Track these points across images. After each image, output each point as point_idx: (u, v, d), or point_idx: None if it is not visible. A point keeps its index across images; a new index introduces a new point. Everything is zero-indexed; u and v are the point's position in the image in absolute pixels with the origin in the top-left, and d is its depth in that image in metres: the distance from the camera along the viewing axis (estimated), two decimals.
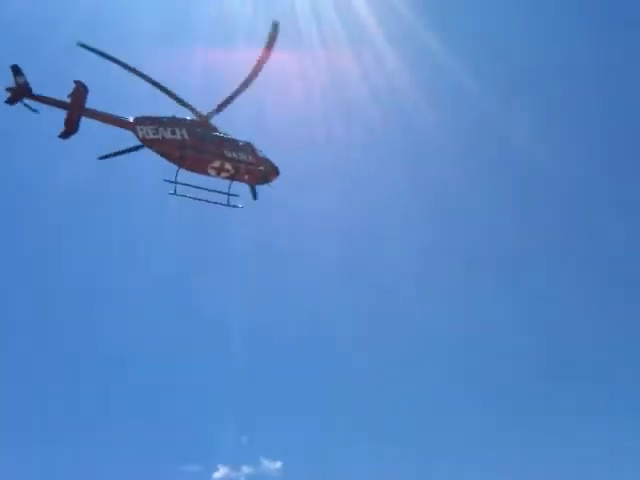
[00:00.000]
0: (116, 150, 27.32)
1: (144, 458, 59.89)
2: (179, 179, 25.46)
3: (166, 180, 25.24)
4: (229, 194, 25.85)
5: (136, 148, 26.68)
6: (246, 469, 62.43)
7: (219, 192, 25.63)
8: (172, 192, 24.99)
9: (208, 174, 26.29)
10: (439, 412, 64.67)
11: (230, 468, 61.93)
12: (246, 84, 25.15)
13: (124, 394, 62.34)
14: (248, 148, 26.93)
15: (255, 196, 27.34)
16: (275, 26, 24.26)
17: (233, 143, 26.64)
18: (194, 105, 26.51)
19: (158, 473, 59.59)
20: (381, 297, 67.20)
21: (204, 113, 26.29)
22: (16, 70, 25.46)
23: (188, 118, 26.84)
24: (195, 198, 25.31)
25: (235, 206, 25.74)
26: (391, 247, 66.74)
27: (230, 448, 62.05)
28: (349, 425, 64.14)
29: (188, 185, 25.20)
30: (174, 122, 25.72)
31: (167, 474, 60.41)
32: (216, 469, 61.77)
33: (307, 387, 66.91)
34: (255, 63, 24.74)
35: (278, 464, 62.63)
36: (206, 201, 25.55)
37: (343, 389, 65.99)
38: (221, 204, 25.62)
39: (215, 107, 26.51)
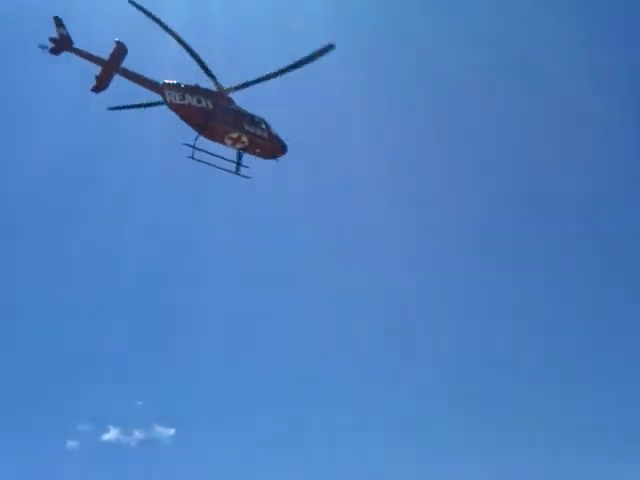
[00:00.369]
0: (127, 104, 29.03)
1: (42, 415, 60.83)
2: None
3: (185, 144, 27.16)
4: (240, 164, 27.91)
5: (150, 104, 28.33)
6: (138, 434, 62.54)
7: (232, 161, 27.75)
8: (190, 156, 27.11)
9: (224, 143, 28.21)
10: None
11: (121, 431, 61.97)
12: (278, 74, 26.96)
13: (22, 353, 63.05)
14: (263, 124, 29.26)
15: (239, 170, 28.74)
16: (330, 47, 26.25)
17: (250, 117, 28.77)
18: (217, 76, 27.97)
19: (53, 430, 60.51)
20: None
21: (225, 86, 27.92)
22: (58, 22, 26.70)
23: (210, 89, 28.47)
24: (210, 164, 27.25)
25: (245, 176, 27.75)
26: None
27: (124, 411, 62.16)
28: (247, 395, 64.67)
29: (204, 151, 27.19)
30: (200, 91, 27.58)
31: (61, 431, 61.21)
32: (106, 430, 61.86)
33: (207, 357, 66.71)
34: (296, 61, 26.47)
35: (171, 431, 62.96)
36: (220, 168, 27.58)
37: (241, 359, 66.64)
38: (232, 172, 27.65)
39: (238, 84, 28.12)
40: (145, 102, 28.43)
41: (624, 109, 74.76)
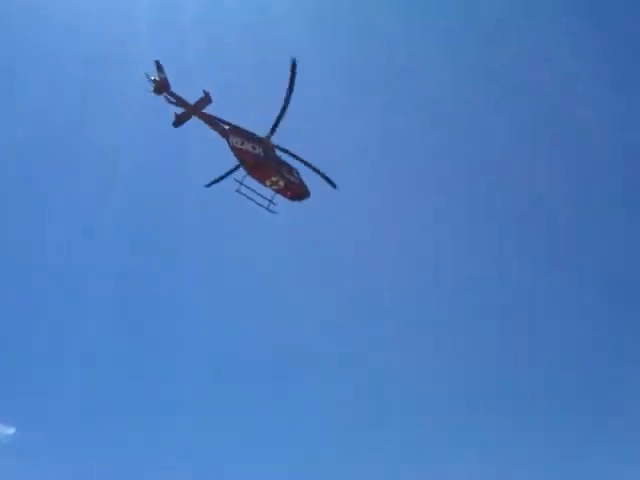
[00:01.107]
0: (220, 176, 34.71)
1: None
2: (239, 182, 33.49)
3: (236, 180, 33.12)
4: (272, 202, 33.71)
5: (232, 171, 33.91)
6: None
7: (266, 199, 33.56)
8: (237, 190, 32.96)
9: (264, 184, 33.42)
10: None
11: None
12: (286, 106, 31.34)
13: None
14: (296, 172, 34.32)
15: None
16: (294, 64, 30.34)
17: (288, 167, 33.98)
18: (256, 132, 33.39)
19: None
20: None
21: (266, 136, 33.32)
22: (158, 66, 30.57)
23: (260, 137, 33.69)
24: (248, 198, 33.11)
25: (272, 212, 33.48)
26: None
27: None
28: (94, 395, 63.57)
29: (248, 187, 33.13)
30: (255, 139, 32.61)
31: None
32: None
33: (52, 353, 65.16)
34: (288, 85, 30.89)
35: (11, 430, 61.34)
36: (256, 202, 33.34)
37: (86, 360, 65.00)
38: (264, 207, 33.36)
39: (270, 130, 33.17)
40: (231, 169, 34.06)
41: None
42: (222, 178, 34.20)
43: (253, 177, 32.40)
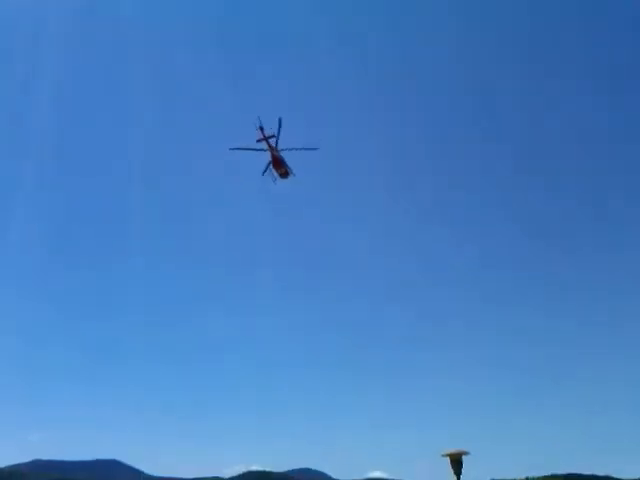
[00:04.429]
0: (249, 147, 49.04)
1: None
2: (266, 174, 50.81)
3: (268, 176, 49.50)
4: (275, 179, 51.52)
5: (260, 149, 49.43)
6: None
7: (274, 177, 51.23)
8: (266, 175, 48.94)
9: (277, 171, 48.68)
10: None
11: None
12: (278, 137, 48.79)
13: None
14: (287, 166, 49.44)
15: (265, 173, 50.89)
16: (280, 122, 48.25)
17: (285, 163, 49.10)
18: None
19: None
20: None
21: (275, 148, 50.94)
22: (261, 128, 47.98)
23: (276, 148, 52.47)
24: (273, 179, 49.92)
25: (274, 183, 49.70)
26: None
27: None
28: None
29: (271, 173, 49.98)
30: (276, 150, 49.59)
31: None
32: None
33: None
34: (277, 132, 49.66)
35: None
36: (272, 177, 48.50)
37: None
38: (272, 180, 49.22)
39: (275, 147, 50.05)
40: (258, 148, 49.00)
41: None
42: (248, 149, 47.52)
43: (274, 167, 47.26)
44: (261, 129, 49.99)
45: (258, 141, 50.43)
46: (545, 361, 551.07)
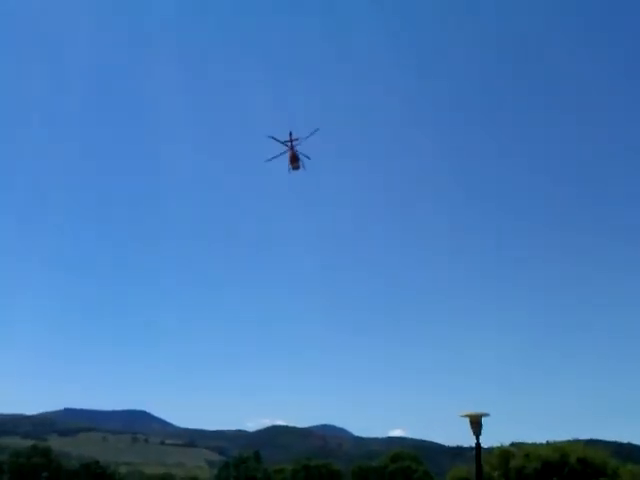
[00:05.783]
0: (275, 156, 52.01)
1: None
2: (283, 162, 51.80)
3: (289, 169, 51.98)
4: (291, 170, 52.50)
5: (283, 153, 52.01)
6: None
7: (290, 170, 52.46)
8: (289, 170, 51.48)
9: (292, 164, 51.80)
10: None
11: None
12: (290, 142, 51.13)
13: None
14: (300, 160, 52.30)
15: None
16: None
17: (299, 158, 51.98)
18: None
19: None
20: None
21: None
22: (290, 135, 50.08)
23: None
24: (291, 169, 52.16)
25: (290, 172, 52.37)
26: None
27: None
28: None
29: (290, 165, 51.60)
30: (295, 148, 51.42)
31: None
32: None
33: None
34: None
35: None
36: (291, 169, 51.69)
37: None
38: (291, 170, 52.09)
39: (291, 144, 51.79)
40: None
41: None
42: (277, 157, 51.91)
43: (291, 162, 51.50)
44: (290, 135, 52.40)
45: (285, 142, 52.58)
46: (570, 320, 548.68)
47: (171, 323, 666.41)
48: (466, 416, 26.38)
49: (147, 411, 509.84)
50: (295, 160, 52.29)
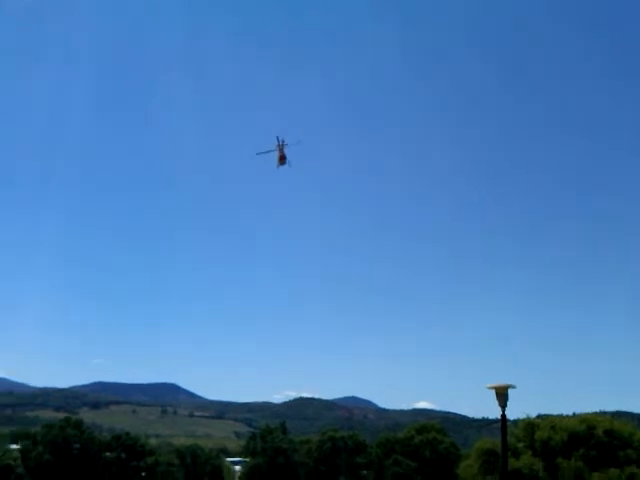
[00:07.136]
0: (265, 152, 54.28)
1: None
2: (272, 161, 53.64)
3: (278, 165, 52.80)
4: (279, 166, 53.70)
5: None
6: None
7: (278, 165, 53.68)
8: (278, 166, 52.70)
9: (280, 160, 53.42)
10: None
11: None
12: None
13: None
14: (286, 157, 54.34)
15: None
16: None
17: (285, 155, 53.86)
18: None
19: None
20: None
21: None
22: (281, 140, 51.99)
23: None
24: (279, 165, 53.09)
25: (277, 168, 53.65)
26: None
27: None
28: None
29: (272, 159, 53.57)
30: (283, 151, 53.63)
31: None
32: None
33: None
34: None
35: None
36: (277, 165, 53.11)
37: None
38: (277, 167, 53.40)
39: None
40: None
41: None
42: (266, 152, 54.36)
43: (279, 160, 53.28)
44: (278, 140, 54.28)
45: (269, 151, 54.25)
46: (594, 297, 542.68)
47: (201, 298, 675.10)
48: (492, 388, 26.15)
49: (176, 384, 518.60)
50: (282, 159, 55.40)
